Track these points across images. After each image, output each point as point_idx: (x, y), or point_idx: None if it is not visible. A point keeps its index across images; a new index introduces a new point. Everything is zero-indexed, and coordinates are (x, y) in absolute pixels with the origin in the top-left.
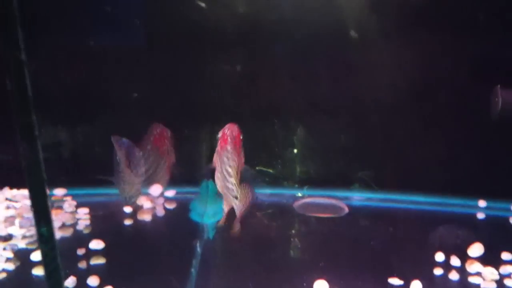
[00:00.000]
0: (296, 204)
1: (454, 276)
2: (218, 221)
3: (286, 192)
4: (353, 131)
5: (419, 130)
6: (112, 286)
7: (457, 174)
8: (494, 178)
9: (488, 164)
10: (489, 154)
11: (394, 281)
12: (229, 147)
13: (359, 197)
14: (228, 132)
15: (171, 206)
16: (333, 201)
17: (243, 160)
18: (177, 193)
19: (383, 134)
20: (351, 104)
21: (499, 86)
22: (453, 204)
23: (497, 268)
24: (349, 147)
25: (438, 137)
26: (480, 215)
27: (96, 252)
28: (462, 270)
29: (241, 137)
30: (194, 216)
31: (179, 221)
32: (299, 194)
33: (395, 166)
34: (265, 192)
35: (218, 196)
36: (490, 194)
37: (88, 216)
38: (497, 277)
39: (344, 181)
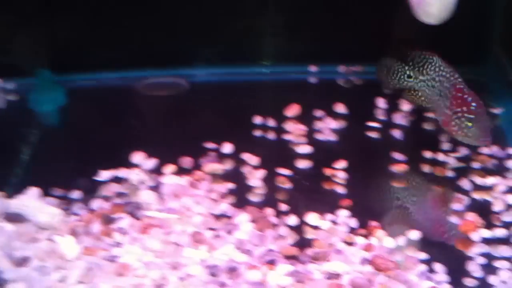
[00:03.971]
0: (139, 85)
1: (271, 135)
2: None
3: (131, 74)
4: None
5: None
6: None
7: (290, 43)
8: (323, 43)
9: (317, 30)
10: (317, 20)
11: (209, 145)
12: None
13: (202, 73)
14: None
15: (12, 97)
16: (175, 79)
17: None
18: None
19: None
20: None
21: None
22: (286, 72)
23: (309, 125)
24: (190, 22)
25: (268, 6)
26: (312, 79)
27: None
28: (278, 129)
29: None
30: (32, 105)
31: (18, 113)
32: None
33: (234, 39)
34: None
35: (55, 83)
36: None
37: None
38: (305, 132)
39: (188, 58)
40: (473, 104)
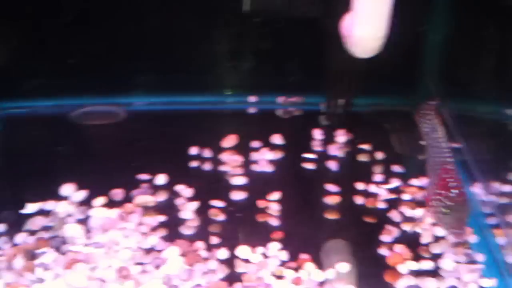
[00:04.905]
0: (74, 113)
1: (207, 166)
2: None
3: (66, 102)
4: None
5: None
6: None
7: (231, 73)
8: (262, 74)
9: (259, 62)
10: (256, 50)
11: (143, 176)
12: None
13: (141, 102)
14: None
15: None
16: (112, 108)
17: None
18: None
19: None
20: (126, 5)
21: None
22: (225, 102)
23: (245, 156)
24: (128, 51)
25: (207, 35)
26: (251, 110)
27: None
28: (214, 160)
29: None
30: None
31: None
32: None
33: (173, 68)
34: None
35: None
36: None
37: None
38: (241, 163)
39: (126, 86)
40: (454, 191)
